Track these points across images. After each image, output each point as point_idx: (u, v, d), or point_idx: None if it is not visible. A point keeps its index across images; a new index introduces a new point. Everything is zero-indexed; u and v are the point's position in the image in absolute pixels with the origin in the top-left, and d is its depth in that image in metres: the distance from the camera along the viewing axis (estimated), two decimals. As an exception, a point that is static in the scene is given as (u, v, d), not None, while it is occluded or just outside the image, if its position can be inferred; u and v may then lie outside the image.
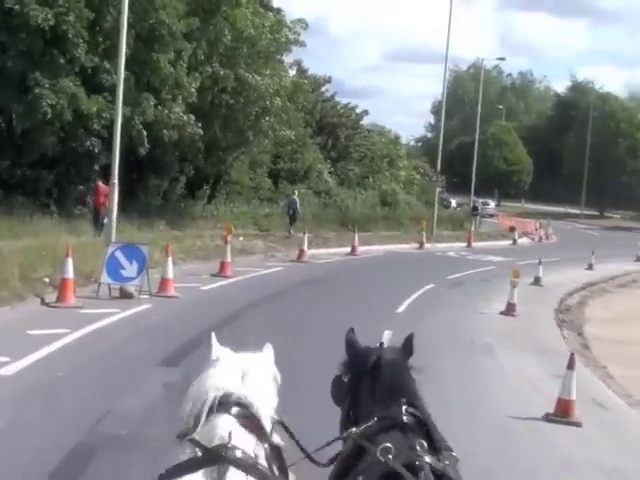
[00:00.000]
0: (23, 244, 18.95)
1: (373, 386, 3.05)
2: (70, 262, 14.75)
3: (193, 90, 28.35)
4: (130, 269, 16.19)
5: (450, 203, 72.62)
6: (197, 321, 13.81)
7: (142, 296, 16.03)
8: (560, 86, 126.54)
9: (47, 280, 15.78)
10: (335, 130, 54.26)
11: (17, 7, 25.17)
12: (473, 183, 67.75)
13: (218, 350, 2.73)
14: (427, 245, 37.00)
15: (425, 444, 2.76)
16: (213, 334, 2.78)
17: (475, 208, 54.91)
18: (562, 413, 10.28)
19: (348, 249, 31.70)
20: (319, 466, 2.96)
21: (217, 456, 2.35)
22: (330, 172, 49.91)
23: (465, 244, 41.43)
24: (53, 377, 9.84)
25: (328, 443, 3.08)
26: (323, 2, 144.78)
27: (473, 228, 48.99)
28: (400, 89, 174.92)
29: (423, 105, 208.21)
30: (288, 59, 36.50)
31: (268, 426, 2.56)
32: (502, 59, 74.95)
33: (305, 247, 26.90)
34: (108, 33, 26.57)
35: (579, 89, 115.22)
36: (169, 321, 14.57)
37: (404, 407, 2.89)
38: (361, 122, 58.38)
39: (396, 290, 20.95)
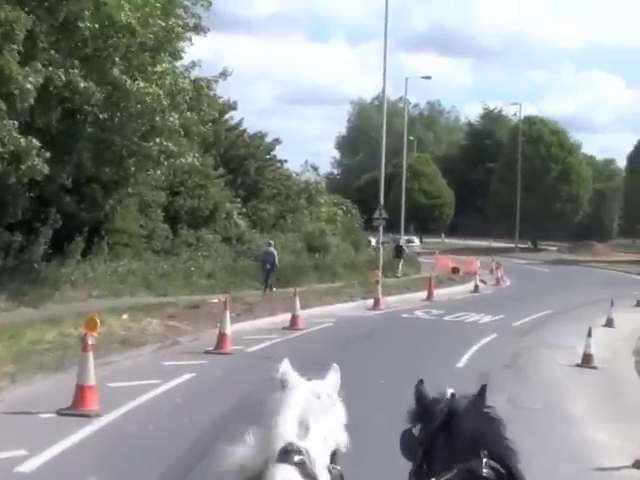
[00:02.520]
0: None
1: (449, 438, 2.82)
2: None
3: (30, 87, 18.04)
4: None
5: (370, 243, 63.97)
6: None
7: None
8: (470, 115, 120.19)
9: None
10: (243, 163, 44.78)
11: None
12: (403, 217, 59.61)
13: (288, 375, 2.74)
14: (381, 299, 27.64)
15: None
16: (286, 359, 2.78)
17: (399, 248, 45.04)
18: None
19: (282, 318, 22.15)
20: None
21: None
22: (240, 213, 40.32)
23: (422, 296, 32.44)
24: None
25: None
26: (211, 47, 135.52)
27: (399, 274, 40.00)
28: (297, 131, 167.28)
29: (323, 145, 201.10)
30: (184, 59, 26.52)
31: (326, 476, 2.55)
32: (428, 77, 66.97)
33: (226, 331, 16.97)
34: None
35: (491, 117, 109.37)
36: None
37: (484, 460, 2.69)
38: (273, 152, 49.09)
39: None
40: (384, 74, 42.18)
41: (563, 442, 10.82)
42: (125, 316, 18.80)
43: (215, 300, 24.11)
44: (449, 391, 2.97)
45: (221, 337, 16.76)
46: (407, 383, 3.21)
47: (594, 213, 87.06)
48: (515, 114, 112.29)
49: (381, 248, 35.58)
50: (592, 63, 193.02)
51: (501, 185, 76.38)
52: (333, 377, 2.83)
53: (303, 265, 35.39)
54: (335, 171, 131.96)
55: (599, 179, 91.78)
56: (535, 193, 72.36)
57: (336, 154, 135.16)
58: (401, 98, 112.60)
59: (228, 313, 17.30)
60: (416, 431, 2.97)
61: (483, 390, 3.00)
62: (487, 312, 26.43)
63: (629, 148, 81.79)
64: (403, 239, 58.26)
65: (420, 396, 3.05)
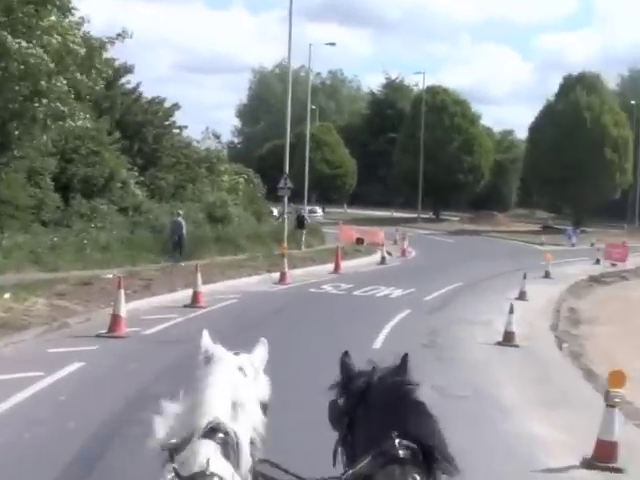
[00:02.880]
0: None
1: (368, 410, 2.93)
2: None
3: None
4: None
5: (272, 213, 62.49)
6: None
7: None
8: (372, 85, 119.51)
9: None
10: (141, 130, 42.63)
11: None
12: (306, 187, 58.42)
13: (211, 348, 2.79)
14: (287, 273, 26.28)
15: (418, 477, 2.71)
16: (205, 331, 2.82)
17: (301, 218, 42.31)
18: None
19: (182, 295, 20.58)
20: None
21: None
22: (138, 182, 38.26)
23: (328, 268, 31.27)
24: None
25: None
26: (107, 10, 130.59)
27: (303, 247, 38.53)
28: (197, 100, 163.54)
29: (223, 114, 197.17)
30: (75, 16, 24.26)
31: (247, 453, 2.57)
32: (332, 44, 65.54)
33: (121, 312, 15.30)
34: None
35: (393, 87, 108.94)
36: None
37: (397, 440, 2.78)
38: (172, 119, 46.93)
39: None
40: (289, 41, 40.57)
41: (501, 437, 9.72)
42: (7, 295, 16.89)
43: (110, 276, 22.34)
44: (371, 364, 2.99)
45: (115, 319, 15.09)
46: (321, 369, 3.17)
47: (493, 184, 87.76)
48: (417, 84, 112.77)
49: (286, 219, 34.13)
50: (489, 36, 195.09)
51: (403, 155, 75.85)
52: (261, 350, 2.91)
53: (204, 236, 33.69)
54: (236, 140, 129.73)
55: (498, 150, 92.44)
56: (437, 163, 72.07)
57: (237, 123, 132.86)
58: (303, 66, 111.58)
59: (123, 292, 15.62)
60: (341, 402, 3.04)
61: (404, 361, 3.01)
62: (397, 285, 25.41)
63: (524, 120, 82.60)
64: (306, 209, 57.17)
65: (345, 367, 3.10)
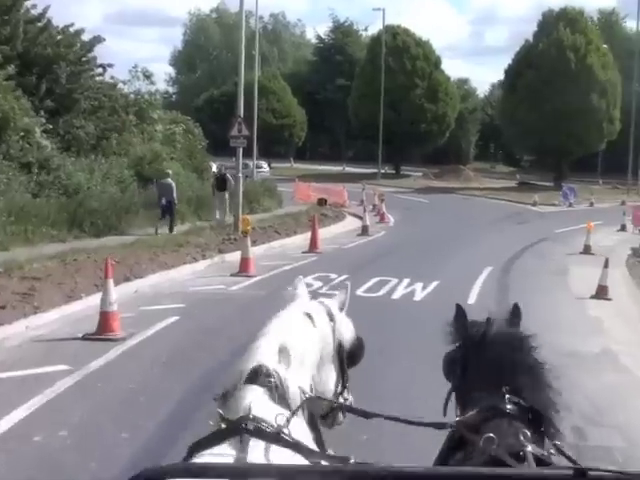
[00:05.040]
0: None
1: (480, 367, 2.86)
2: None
3: None
4: None
5: (210, 169, 54.04)
6: None
7: None
8: (318, 30, 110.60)
9: None
10: (51, 67, 33.71)
11: None
12: (255, 139, 50.15)
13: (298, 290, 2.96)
14: (251, 259, 18.06)
15: (528, 433, 2.57)
16: (301, 277, 3.06)
17: (222, 179, 29.61)
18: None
19: (77, 313, 12.43)
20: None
21: (238, 428, 2.34)
22: (46, 131, 29.68)
23: (299, 243, 23.33)
24: None
25: (428, 424, 2.72)
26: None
27: (227, 217, 27.37)
28: (129, 53, 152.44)
29: (156, 68, 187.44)
30: None
31: (297, 398, 2.55)
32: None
33: None
34: None
35: (342, 31, 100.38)
36: None
37: (507, 396, 2.71)
38: (91, 54, 37.83)
39: None
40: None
41: None
42: None
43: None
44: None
45: None
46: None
47: (452, 136, 79.90)
48: (366, 29, 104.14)
49: (241, 178, 25.76)
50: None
51: (360, 103, 67.30)
52: (341, 295, 3.06)
53: (130, 204, 25.37)
54: (170, 89, 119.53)
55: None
56: (399, 112, 64.00)
57: (171, 71, 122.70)
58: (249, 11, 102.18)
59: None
60: (454, 352, 2.99)
61: (517, 311, 3.00)
62: (409, 274, 17.52)
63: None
64: (254, 164, 49.36)
65: (459, 315, 3.03)
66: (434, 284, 16.56)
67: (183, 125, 43.46)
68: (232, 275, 17.27)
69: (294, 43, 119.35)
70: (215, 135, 51.35)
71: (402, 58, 65.52)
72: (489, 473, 2.05)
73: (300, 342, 2.63)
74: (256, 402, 2.40)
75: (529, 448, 2.52)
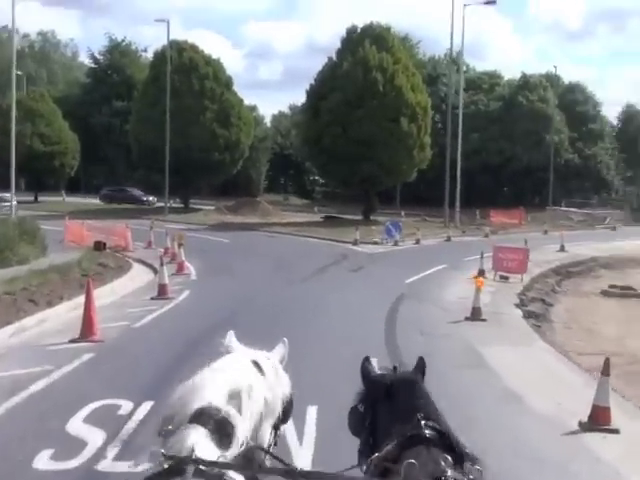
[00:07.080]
0: None
1: (390, 409, 2.87)
2: None
3: None
4: None
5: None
6: None
7: None
8: (93, 49, 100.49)
9: None
10: None
11: None
12: (13, 169, 41.13)
13: (232, 343, 2.83)
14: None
15: (449, 458, 2.59)
16: (231, 331, 2.86)
17: None
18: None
19: None
20: None
21: (181, 469, 2.30)
22: None
23: (65, 322, 15.20)
24: None
25: (347, 469, 2.75)
26: None
27: None
28: None
29: None
30: None
31: (241, 444, 2.46)
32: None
33: None
34: None
35: (120, 51, 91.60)
36: None
37: (423, 422, 2.71)
38: None
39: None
40: None
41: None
42: None
43: None
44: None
45: None
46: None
47: (242, 165, 72.85)
48: (145, 50, 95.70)
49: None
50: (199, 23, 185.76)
51: (142, 128, 58.78)
52: (280, 349, 2.94)
53: None
54: None
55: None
56: (187, 137, 56.22)
57: None
58: (6, 27, 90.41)
59: None
60: (361, 407, 2.98)
61: (422, 362, 3.00)
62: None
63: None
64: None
65: (365, 373, 3.03)
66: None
67: None
68: None
69: (65, 65, 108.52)
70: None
71: (190, 77, 57.86)
72: None
73: (250, 384, 2.57)
74: (199, 444, 2.33)
75: (449, 473, 2.52)
